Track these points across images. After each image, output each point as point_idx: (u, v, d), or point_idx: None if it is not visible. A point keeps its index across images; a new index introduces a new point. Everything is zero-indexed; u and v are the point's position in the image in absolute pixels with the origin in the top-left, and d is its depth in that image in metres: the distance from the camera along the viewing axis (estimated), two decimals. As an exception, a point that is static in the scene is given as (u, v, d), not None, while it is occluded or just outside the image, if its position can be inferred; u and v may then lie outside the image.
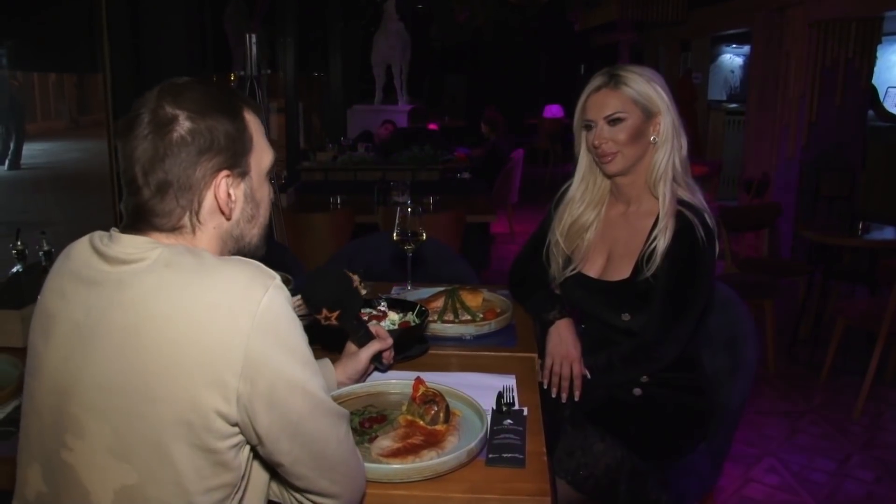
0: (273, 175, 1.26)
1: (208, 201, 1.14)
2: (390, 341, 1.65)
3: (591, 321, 2.12)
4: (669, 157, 1.96)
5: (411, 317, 1.81)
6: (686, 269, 1.93)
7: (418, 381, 1.51)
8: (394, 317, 1.78)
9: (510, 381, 1.70)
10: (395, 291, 2.34)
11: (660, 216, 1.96)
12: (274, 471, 1.17)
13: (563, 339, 2.00)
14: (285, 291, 1.09)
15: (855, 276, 5.08)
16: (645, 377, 2.02)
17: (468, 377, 1.71)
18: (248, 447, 1.11)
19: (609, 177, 2.07)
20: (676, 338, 1.96)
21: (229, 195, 1.15)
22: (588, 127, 2.01)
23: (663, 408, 2.02)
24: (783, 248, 7.06)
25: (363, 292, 1.87)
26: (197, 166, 1.10)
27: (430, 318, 1.93)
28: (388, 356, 1.68)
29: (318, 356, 1.22)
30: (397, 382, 1.59)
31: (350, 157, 7.31)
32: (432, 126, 9.27)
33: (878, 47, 6.82)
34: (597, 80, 1.99)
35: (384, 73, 10.58)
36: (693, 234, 1.91)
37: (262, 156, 1.20)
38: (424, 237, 2.26)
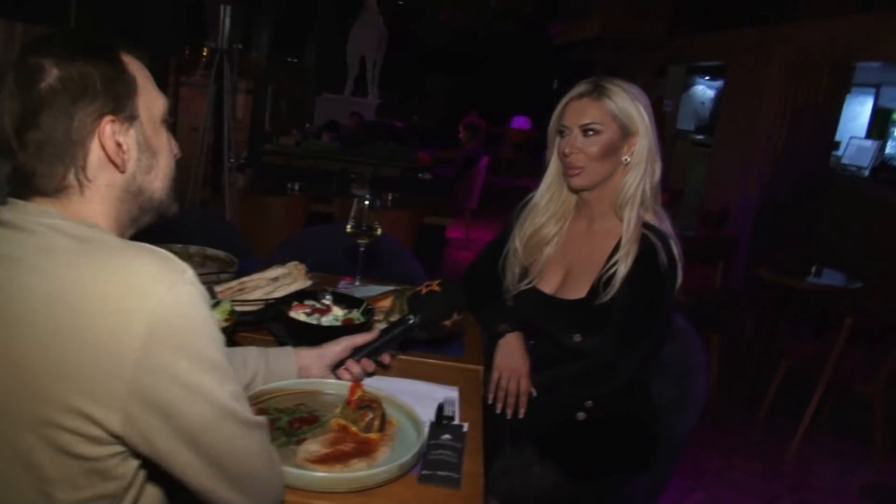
0: (168, 120, 1.13)
1: (95, 154, 1.01)
2: (369, 337, 1.55)
3: (542, 338, 2.04)
4: (640, 182, 1.89)
5: (356, 314, 1.71)
6: (644, 295, 1.87)
7: (356, 384, 1.41)
8: (338, 312, 1.68)
9: (453, 394, 1.60)
10: (343, 285, 2.24)
11: (622, 241, 1.89)
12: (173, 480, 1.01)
13: (511, 352, 1.92)
14: (196, 287, 0.96)
15: (803, 317, 5.12)
16: (590, 401, 1.95)
17: (409, 384, 1.61)
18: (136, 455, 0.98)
19: (574, 191, 2.00)
20: (628, 364, 1.89)
21: (119, 144, 1.02)
22: (562, 133, 1.93)
23: (606, 434, 1.95)
24: (735, 282, 7.11)
25: (309, 283, 1.77)
26: (74, 116, 0.98)
27: (376, 318, 1.84)
28: (386, 359, 1.58)
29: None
30: (334, 383, 1.48)
31: (313, 145, 7.18)
32: (398, 123, 9.16)
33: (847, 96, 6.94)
34: (580, 87, 1.91)
35: (358, 65, 10.45)
36: (655, 260, 1.85)
37: (152, 100, 1.07)
38: (379, 232, 2.16)
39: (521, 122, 13.45)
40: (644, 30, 10.21)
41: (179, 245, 2.17)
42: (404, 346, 1.76)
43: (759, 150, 7.31)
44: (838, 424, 4.33)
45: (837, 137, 7.62)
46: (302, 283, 1.77)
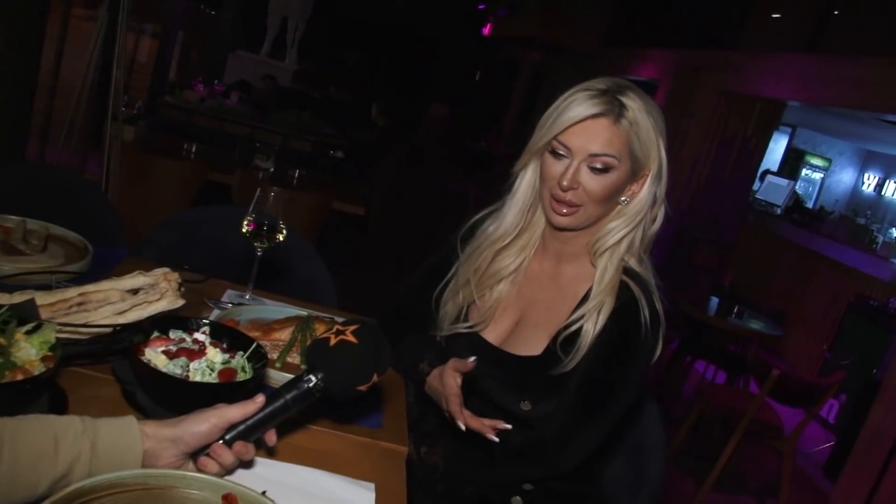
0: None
1: None
2: (249, 409, 1.05)
3: (478, 399, 1.60)
4: (632, 230, 1.47)
5: (240, 361, 1.21)
6: (615, 361, 1.46)
7: (230, 498, 0.93)
8: (215, 357, 1.17)
9: (365, 498, 1.14)
10: (229, 298, 1.73)
11: (592, 290, 1.47)
12: None
13: (436, 385, 1.46)
14: None
15: (715, 357, 4.92)
16: (529, 484, 1.54)
17: (302, 478, 1.12)
18: None
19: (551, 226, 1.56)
20: (581, 446, 1.48)
21: None
22: (556, 153, 1.46)
23: (547, 527, 1.54)
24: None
25: (180, 302, 1.27)
26: None
27: (269, 356, 1.35)
28: (270, 438, 1.08)
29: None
30: (195, 478, 0.98)
31: (219, 104, 6.50)
32: (314, 93, 8.54)
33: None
34: (594, 103, 1.40)
35: (278, 25, 9.73)
36: (636, 317, 1.44)
37: None
38: (282, 237, 1.67)
39: (439, 111, 13.00)
40: (578, 37, 9.98)
41: (16, 217, 1.60)
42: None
43: (684, 175, 7.15)
44: (743, 475, 4.15)
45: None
46: (170, 302, 1.26)
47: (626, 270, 1.49)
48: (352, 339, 1.08)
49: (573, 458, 1.49)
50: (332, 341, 1.08)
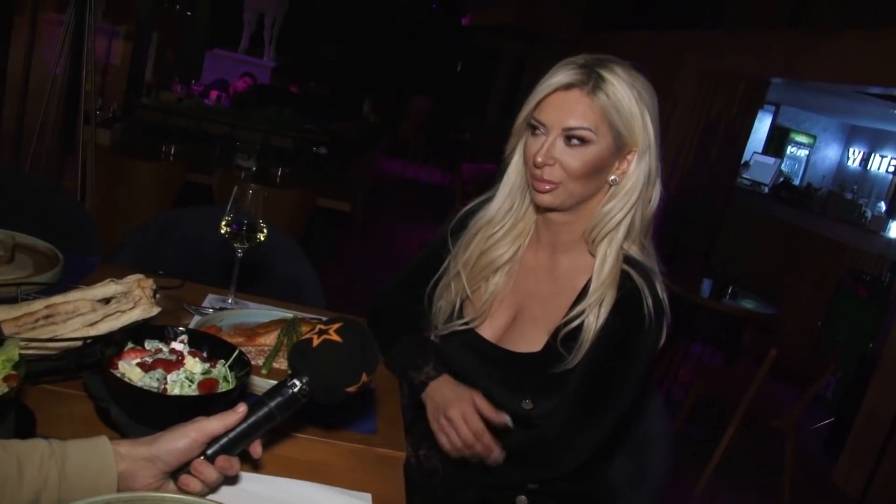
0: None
1: None
2: (231, 420, 0.98)
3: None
4: (628, 212, 1.40)
5: (222, 370, 1.13)
6: (619, 355, 1.39)
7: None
8: (194, 367, 1.09)
9: (362, 508, 1.06)
10: (210, 303, 1.65)
11: (592, 282, 1.40)
12: None
13: (447, 394, 1.38)
14: None
15: (713, 340, 4.88)
16: (535, 484, 1.47)
17: (291, 491, 1.05)
18: None
19: (538, 208, 1.50)
20: (585, 445, 1.42)
21: None
22: (535, 130, 1.40)
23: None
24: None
25: (156, 310, 1.19)
26: None
27: (254, 362, 1.28)
28: (255, 450, 1.01)
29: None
30: (176, 500, 0.91)
31: (197, 104, 6.39)
32: (294, 88, 8.43)
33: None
34: (569, 72, 1.36)
35: (255, 21, 9.61)
36: (639, 308, 1.37)
37: None
38: (263, 237, 1.59)
39: (421, 104, 12.89)
40: (557, 23, 9.90)
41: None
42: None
43: (669, 160, 7.08)
44: (744, 457, 4.11)
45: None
46: (144, 310, 1.18)
47: (627, 259, 1.42)
48: (336, 338, 1.01)
49: (577, 458, 1.43)
50: (315, 342, 1.01)
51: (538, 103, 1.39)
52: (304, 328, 1.45)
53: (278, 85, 8.04)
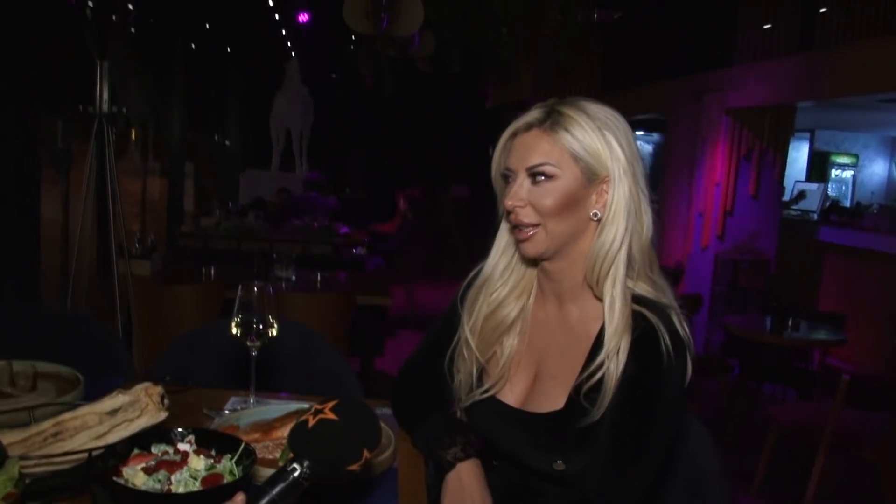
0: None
1: None
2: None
3: (508, 465, 1.48)
4: (621, 244, 1.34)
5: (227, 464, 1.12)
6: (644, 400, 1.32)
7: None
8: (197, 465, 1.07)
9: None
10: (232, 405, 1.64)
11: (605, 330, 1.34)
12: None
13: (466, 491, 1.34)
14: None
15: (780, 376, 4.68)
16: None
17: None
18: None
19: (531, 261, 1.47)
20: (629, 495, 1.33)
21: None
22: (506, 179, 1.40)
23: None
24: (697, 344, 6.69)
25: (163, 416, 1.19)
26: None
27: (268, 457, 1.25)
28: None
29: None
30: None
31: (234, 224, 6.58)
32: (331, 197, 8.65)
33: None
34: (529, 115, 1.38)
35: (284, 138, 9.95)
36: (657, 347, 1.30)
37: None
38: (275, 332, 1.59)
39: (458, 191, 13.01)
40: (574, 91, 10.04)
41: (0, 361, 1.55)
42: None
43: (709, 200, 7.00)
44: (839, 495, 3.86)
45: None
46: (151, 417, 1.18)
47: (637, 299, 1.37)
48: (331, 416, 0.98)
49: None
50: (311, 422, 0.98)
51: (503, 149, 1.40)
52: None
53: (312, 194, 8.24)
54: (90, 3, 3.30)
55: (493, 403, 1.46)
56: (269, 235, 6.33)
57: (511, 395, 1.46)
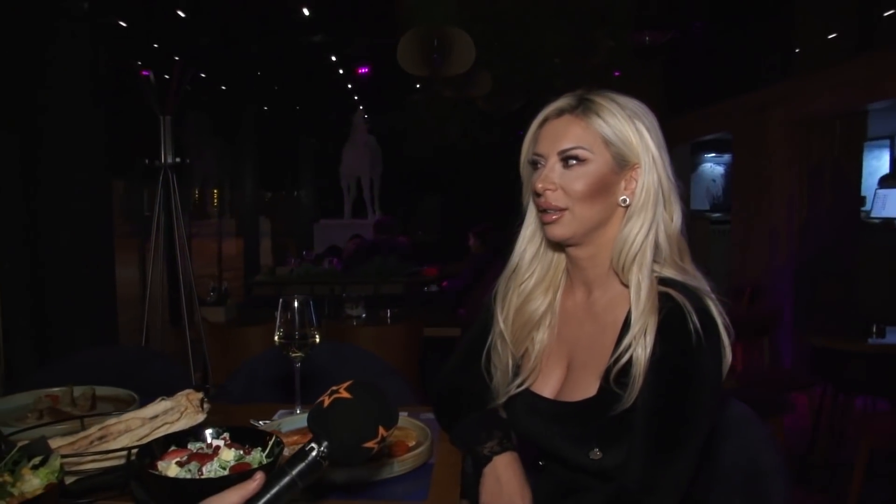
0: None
1: None
2: (248, 490, 0.99)
3: (545, 460, 1.47)
4: (648, 232, 1.35)
5: (257, 455, 1.15)
6: (676, 381, 1.30)
7: None
8: (227, 456, 1.12)
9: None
10: (280, 415, 1.70)
11: (632, 313, 1.33)
12: None
13: (503, 484, 1.34)
14: None
15: (872, 387, 4.45)
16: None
17: None
18: None
19: (558, 246, 1.48)
20: (671, 483, 1.29)
21: None
22: (535, 164, 1.41)
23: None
24: (783, 360, 6.45)
25: (201, 417, 1.24)
26: None
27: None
28: None
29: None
30: None
31: (307, 270, 6.75)
32: (402, 239, 8.77)
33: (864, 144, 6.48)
34: (559, 102, 1.40)
35: (354, 187, 10.20)
36: (683, 327, 1.28)
37: None
38: (317, 339, 1.64)
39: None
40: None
41: (59, 388, 1.65)
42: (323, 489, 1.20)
43: (783, 216, 6.79)
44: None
45: (861, 193, 7.09)
46: (190, 419, 1.23)
47: (663, 281, 1.36)
48: (346, 395, 1.01)
49: (668, 501, 1.31)
50: (327, 402, 1.01)
51: (534, 137, 1.41)
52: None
53: (383, 238, 8.38)
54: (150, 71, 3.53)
55: (529, 397, 1.46)
56: (341, 279, 6.47)
57: (546, 388, 1.46)
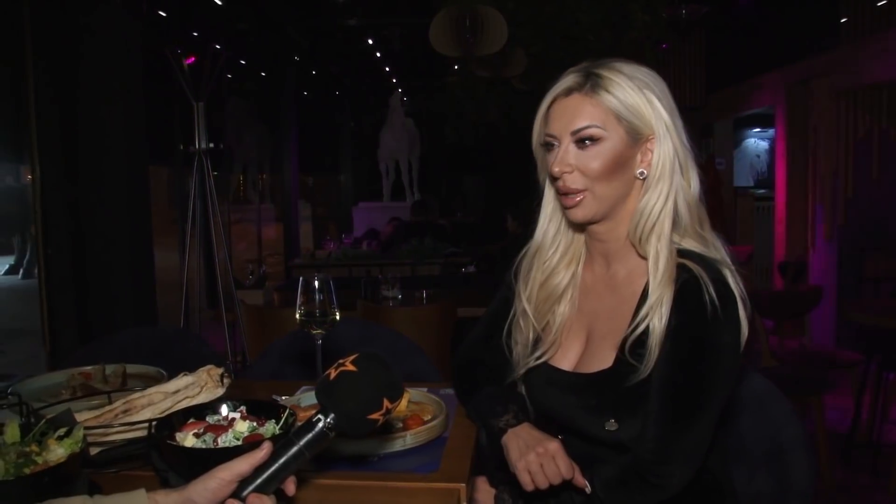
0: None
1: None
2: (257, 457, 1.02)
3: (559, 431, 1.48)
4: (666, 202, 1.34)
5: (271, 427, 1.18)
6: (691, 351, 1.30)
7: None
8: (241, 427, 1.15)
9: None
10: (301, 391, 1.73)
11: (650, 283, 1.33)
12: None
13: (527, 440, 1.35)
14: None
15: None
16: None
17: None
18: None
19: (578, 226, 1.48)
20: (685, 454, 1.30)
21: None
22: (549, 146, 1.41)
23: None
24: (827, 337, 6.33)
25: (220, 391, 1.28)
26: None
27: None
28: (289, 487, 1.04)
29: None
30: None
31: (345, 252, 6.82)
32: (440, 221, 8.79)
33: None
34: (567, 80, 1.38)
35: (393, 170, 10.24)
36: (699, 296, 1.28)
37: None
38: (337, 317, 1.67)
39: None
40: (680, 93, 9.80)
41: (92, 366, 1.71)
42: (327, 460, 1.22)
43: (828, 189, 6.64)
44: None
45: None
46: (210, 393, 1.27)
47: (682, 252, 1.35)
48: (351, 368, 1.04)
49: (683, 472, 1.31)
50: (333, 375, 1.04)
51: (545, 117, 1.40)
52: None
53: (421, 219, 8.41)
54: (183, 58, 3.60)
55: (547, 370, 1.47)
56: (379, 261, 6.52)
57: (564, 360, 1.47)
